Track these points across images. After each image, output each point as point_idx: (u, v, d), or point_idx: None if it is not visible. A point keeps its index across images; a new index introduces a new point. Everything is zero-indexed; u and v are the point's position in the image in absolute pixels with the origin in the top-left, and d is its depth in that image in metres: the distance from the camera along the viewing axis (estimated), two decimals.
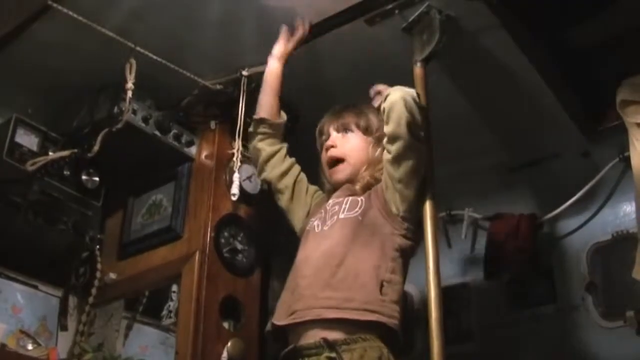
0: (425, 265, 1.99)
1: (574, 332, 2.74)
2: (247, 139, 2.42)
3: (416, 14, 2.29)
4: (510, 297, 2.93)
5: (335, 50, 2.49)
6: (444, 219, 3.07)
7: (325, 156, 2.22)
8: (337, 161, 2.19)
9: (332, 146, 2.18)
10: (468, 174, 2.96)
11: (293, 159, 2.32)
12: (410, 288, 2.95)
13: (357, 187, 2.13)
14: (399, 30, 2.34)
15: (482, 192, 3.04)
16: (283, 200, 2.28)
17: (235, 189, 2.47)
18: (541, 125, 2.75)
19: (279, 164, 2.29)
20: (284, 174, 2.28)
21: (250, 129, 2.35)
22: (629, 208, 2.75)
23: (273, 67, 2.34)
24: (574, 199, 2.83)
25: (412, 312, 3.00)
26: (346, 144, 2.18)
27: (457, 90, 2.60)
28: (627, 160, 2.61)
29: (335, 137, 2.20)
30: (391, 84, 2.08)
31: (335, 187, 2.19)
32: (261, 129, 2.31)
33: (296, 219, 2.25)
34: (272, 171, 2.29)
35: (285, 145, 2.33)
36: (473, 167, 2.94)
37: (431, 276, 1.97)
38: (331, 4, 2.33)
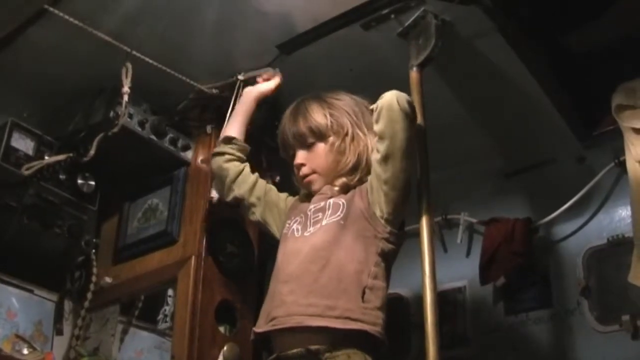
0: (421, 270, 1.98)
1: (570, 336, 2.74)
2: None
3: (412, 18, 2.30)
4: (505, 302, 2.93)
5: (331, 55, 2.49)
6: (439, 223, 3.06)
7: (297, 171, 2.21)
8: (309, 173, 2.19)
9: (302, 164, 2.17)
10: (464, 178, 2.96)
11: (257, 174, 2.32)
12: (406, 292, 2.95)
13: (336, 188, 2.12)
14: (394, 35, 2.34)
15: (477, 197, 3.05)
16: (257, 213, 2.26)
17: (214, 192, 2.48)
18: (537, 130, 2.75)
19: (247, 179, 2.29)
20: (253, 186, 2.27)
21: (218, 149, 2.35)
22: (624, 212, 2.74)
23: (250, 102, 2.41)
24: (569, 203, 2.83)
25: (408, 316, 3.00)
26: (314, 159, 2.16)
27: (453, 94, 2.60)
28: (622, 165, 2.61)
29: (300, 154, 2.18)
30: (387, 89, 2.07)
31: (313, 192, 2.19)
32: (229, 149, 2.32)
33: (274, 227, 2.24)
34: (240, 188, 2.28)
35: (247, 164, 2.34)
36: (469, 171, 2.95)
37: (427, 280, 1.96)
38: (327, 8, 2.33)
